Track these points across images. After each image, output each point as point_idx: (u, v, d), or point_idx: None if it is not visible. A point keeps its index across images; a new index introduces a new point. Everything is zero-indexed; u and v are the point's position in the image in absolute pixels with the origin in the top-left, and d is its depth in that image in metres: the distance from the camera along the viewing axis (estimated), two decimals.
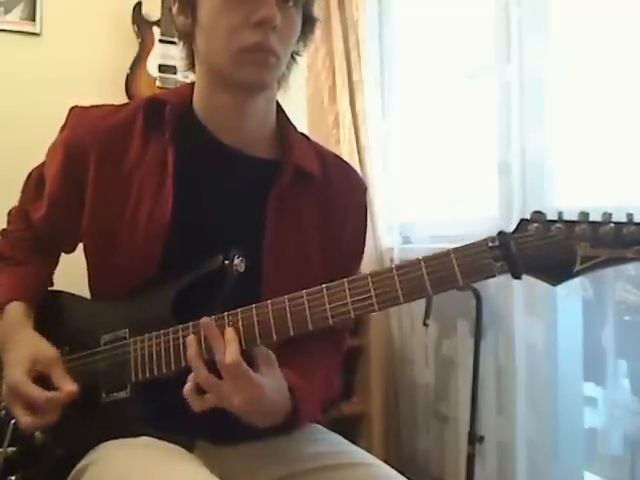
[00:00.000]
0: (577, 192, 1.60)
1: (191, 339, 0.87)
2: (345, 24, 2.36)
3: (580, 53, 1.63)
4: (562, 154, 1.64)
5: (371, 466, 0.99)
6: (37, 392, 0.93)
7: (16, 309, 1.04)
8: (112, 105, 1.09)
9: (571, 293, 1.59)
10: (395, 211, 2.30)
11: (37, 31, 2.37)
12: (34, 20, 2.37)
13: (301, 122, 2.40)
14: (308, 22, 1.05)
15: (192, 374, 0.86)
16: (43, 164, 1.14)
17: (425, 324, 1.93)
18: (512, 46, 1.71)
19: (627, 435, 1.61)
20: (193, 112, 1.05)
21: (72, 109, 1.10)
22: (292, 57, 1.07)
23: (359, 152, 2.31)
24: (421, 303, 1.99)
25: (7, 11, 2.34)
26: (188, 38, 1.03)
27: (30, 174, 1.17)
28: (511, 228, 0.79)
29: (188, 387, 0.86)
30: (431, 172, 2.26)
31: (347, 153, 2.29)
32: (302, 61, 2.43)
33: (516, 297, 1.69)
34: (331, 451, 1.03)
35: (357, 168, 2.26)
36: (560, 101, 1.65)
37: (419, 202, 2.32)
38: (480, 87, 2.00)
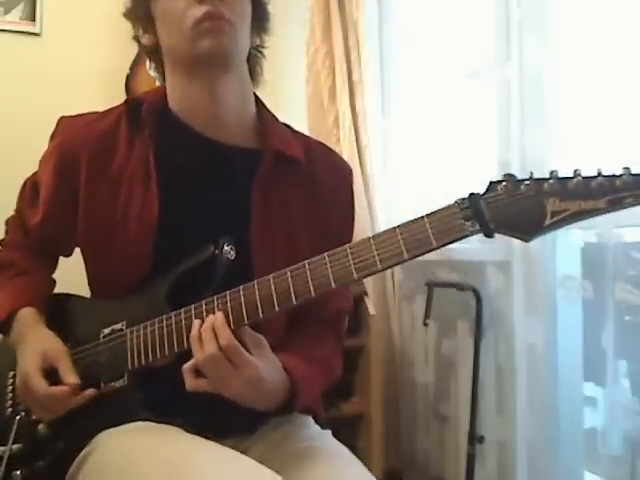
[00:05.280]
0: None
1: (195, 322, 0.89)
2: (345, 24, 2.36)
3: (580, 53, 1.62)
4: (562, 154, 1.64)
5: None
6: (41, 387, 0.96)
7: (27, 314, 1.06)
8: (99, 112, 1.12)
9: (571, 293, 1.59)
10: (395, 211, 2.31)
11: (37, 31, 2.38)
12: (34, 20, 2.37)
13: (301, 122, 2.40)
14: (257, 5, 1.08)
15: None
16: (36, 173, 1.16)
17: (425, 324, 1.93)
18: (512, 45, 1.71)
19: (627, 435, 1.61)
20: (169, 108, 1.08)
21: (61, 119, 1.13)
22: (258, 51, 1.11)
23: (359, 152, 2.31)
24: (421, 303, 2.00)
25: (7, 11, 2.34)
26: (156, 53, 1.08)
27: (25, 182, 1.19)
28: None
29: (187, 364, 0.88)
30: (431, 172, 2.26)
31: (347, 153, 2.29)
32: (302, 61, 2.44)
33: (516, 297, 1.69)
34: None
35: (357, 167, 2.26)
36: (560, 101, 1.65)
37: (419, 202, 2.32)
38: (480, 86, 2.00)
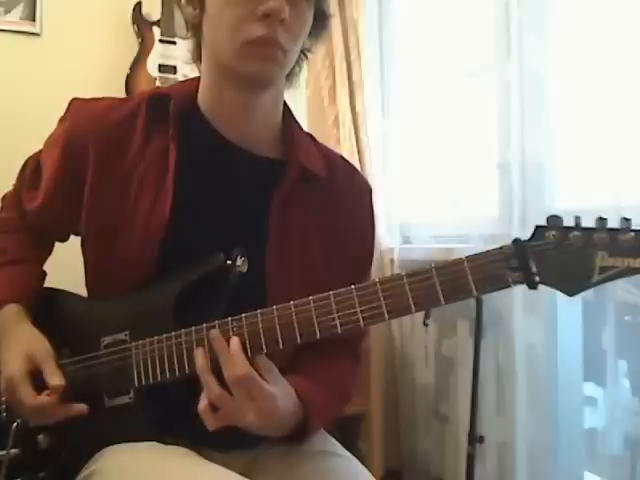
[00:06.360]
0: (577, 192, 1.60)
1: (198, 352, 0.85)
2: (345, 24, 2.36)
3: (580, 53, 1.62)
4: (562, 154, 1.64)
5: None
6: (28, 396, 0.92)
7: (13, 310, 1.02)
8: (113, 98, 1.09)
9: None
10: (395, 211, 2.30)
11: (37, 31, 2.37)
12: (34, 20, 2.37)
13: (301, 122, 2.40)
14: (320, 17, 1.01)
15: (204, 392, 0.85)
16: (40, 153, 1.12)
17: (425, 324, 1.92)
18: (512, 46, 1.70)
19: (627, 435, 1.61)
20: (198, 108, 1.03)
21: (72, 101, 1.10)
22: (303, 53, 1.04)
23: (359, 152, 2.31)
24: None
25: (7, 11, 2.34)
26: (196, 29, 1.01)
27: (27, 161, 1.15)
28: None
29: (202, 405, 0.84)
30: (431, 172, 2.26)
31: (347, 153, 2.29)
32: None
33: (516, 297, 1.68)
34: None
35: (357, 168, 2.26)
36: (560, 101, 1.65)
37: (419, 202, 2.32)
38: (480, 87, 2.00)
